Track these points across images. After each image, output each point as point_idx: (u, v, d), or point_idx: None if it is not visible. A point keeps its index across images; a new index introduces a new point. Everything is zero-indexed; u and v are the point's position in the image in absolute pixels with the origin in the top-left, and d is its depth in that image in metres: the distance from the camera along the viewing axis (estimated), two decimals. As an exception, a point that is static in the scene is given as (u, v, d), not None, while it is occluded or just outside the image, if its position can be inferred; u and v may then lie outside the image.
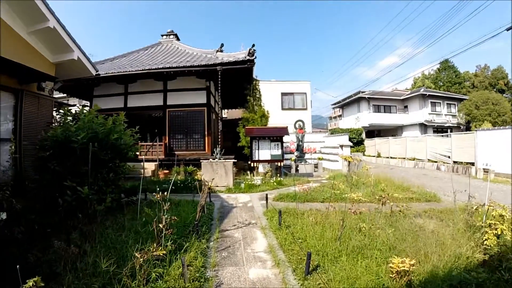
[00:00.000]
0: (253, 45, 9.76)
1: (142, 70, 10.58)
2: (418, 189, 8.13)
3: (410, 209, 5.10)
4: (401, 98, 30.14)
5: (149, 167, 10.76)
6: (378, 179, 8.59)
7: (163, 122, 12.13)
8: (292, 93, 19.39)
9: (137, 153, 12.64)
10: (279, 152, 9.95)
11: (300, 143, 12.73)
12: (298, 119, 13.03)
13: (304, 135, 12.85)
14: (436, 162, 15.31)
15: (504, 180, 10.35)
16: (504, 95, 32.33)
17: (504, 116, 23.79)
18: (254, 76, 11.63)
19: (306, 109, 19.39)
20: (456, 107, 29.27)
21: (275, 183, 8.56)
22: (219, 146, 9.36)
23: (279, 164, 9.88)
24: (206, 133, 11.59)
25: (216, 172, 8.24)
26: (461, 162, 13.22)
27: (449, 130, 26.39)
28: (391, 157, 20.07)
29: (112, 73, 11.23)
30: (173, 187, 8.09)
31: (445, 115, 29.10)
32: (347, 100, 31.90)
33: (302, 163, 12.37)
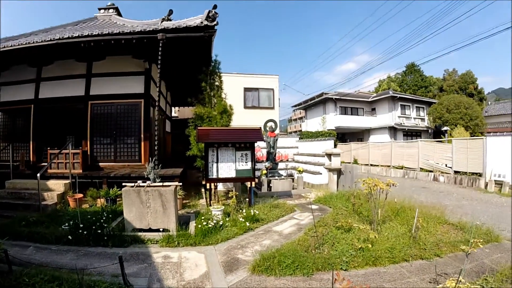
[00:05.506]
0: (215, 6, 6.48)
1: (49, 40, 7.03)
2: (451, 215, 5.76)
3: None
4: (369, 100, 28.81)
5: (57, 187, 7.20)
6: (394, 204, 5.95)
7: (85, 120, 8.66)
8: (257, 89, 16.44)
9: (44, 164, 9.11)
10: (248, 166, 6.78)
11: (272, 149, 9.92)
12: (269, 119, 10.18)
13: (276, 140, 10.07)
14: (431, 171, 13.34)
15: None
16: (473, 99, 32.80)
17: (476, 120, 23.49)
18: (213, 56, 8.60)
19: (273, 108, 16.59)
20: (425, 110, 28.79)
21: (245, 220, 5.36)
22: (156, 157, 6.19)
23: (249, 184, 6.93)
24: (142, 136, 8.21)
25: (147, 206, 4.79)
26: (465, 173, 11.35)
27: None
28: (371, 165, 18.08)
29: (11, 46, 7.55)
30: (70, 237, 4.33)
31: (414, 118, 28.53)
32: (311, 102, 29.88)
33: (276, 176, 9.58)
